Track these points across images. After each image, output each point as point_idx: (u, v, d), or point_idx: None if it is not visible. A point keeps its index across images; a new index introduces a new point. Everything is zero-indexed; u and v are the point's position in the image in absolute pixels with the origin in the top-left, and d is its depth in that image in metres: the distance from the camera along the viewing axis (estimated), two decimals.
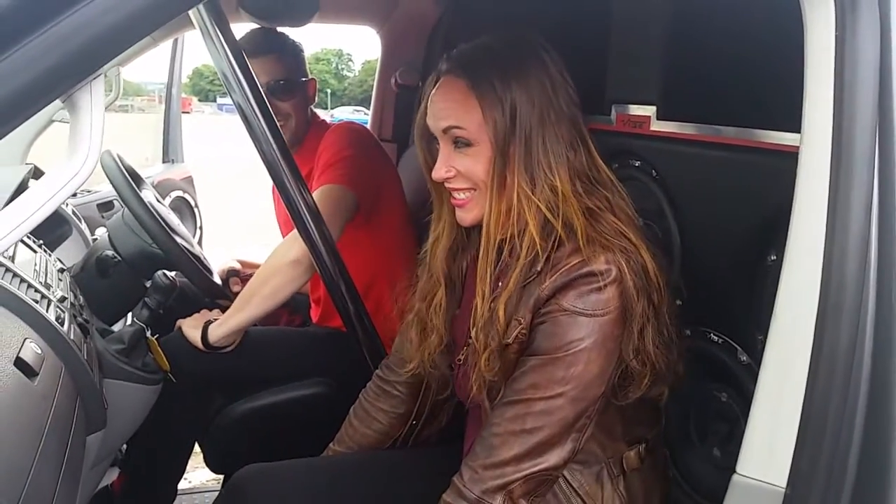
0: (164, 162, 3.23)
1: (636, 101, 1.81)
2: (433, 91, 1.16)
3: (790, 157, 1.42)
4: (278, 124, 1.86)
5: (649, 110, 1.77)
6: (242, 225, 7.93)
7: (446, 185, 1.17)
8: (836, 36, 0.86)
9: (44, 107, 0.74)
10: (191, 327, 1.75)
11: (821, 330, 0.87)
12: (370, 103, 2.76)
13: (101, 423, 1.25)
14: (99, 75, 0.75)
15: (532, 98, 1.10)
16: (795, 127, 1.42)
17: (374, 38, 2.63)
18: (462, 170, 1.14)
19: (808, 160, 0.90)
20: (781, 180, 1.45)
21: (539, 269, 1.07)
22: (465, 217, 1.18)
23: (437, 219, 1.27)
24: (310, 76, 2.05)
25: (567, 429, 1.05)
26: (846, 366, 0.86)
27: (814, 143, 0.89)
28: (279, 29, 2.01)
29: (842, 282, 0.86)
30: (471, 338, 1.16)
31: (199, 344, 1.73)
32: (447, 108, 1.13)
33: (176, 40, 3.11)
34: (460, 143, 1.13)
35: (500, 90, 1.09)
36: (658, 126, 1.76)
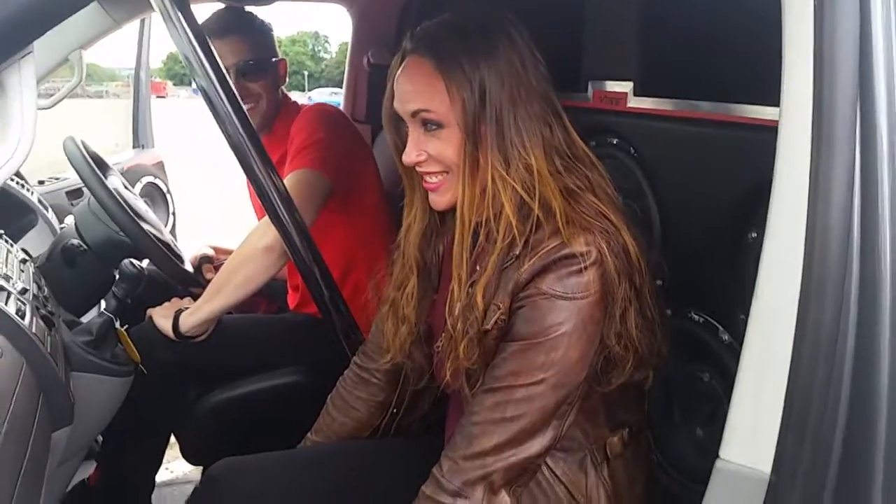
0: (134, 147, 3.16)
1: (613, 76, 1.78)
2: (398, 72, 1.12)
3: (770, 131, 1.40)
4: (248, 106, 1.82)
5: (626, 86, 1.75)
6: (218, 209, 7.84)
7: (418, 168, 1.14)
8: (814, 5, 0.83)
9: None
10: (161, 317, 1.71)
11: (804, 307, 0.85)
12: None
13: (68, 419, 1.21)
14: (28, 53, 0.70)
15: (501, 76, 1.06)
16: (775, 100, 1.42)
17: (349, 18, 2.57)
18: (433, 153, 1.11)
19: (787, 134, 0.87)
20: (761, 155, 1.43)
21: (517, 252, 1.04)
22: (439, 201, 1.15)
23: (409, 205, 1.23)
24: (280, 56, 2.00)
25: (548, 416, 1.03)
26: (830, 344, 0.84)
27: (793, 116, 0.86)
28: (247, 8, 1.96)
29: (824, 257, 0.84)
30: (447, 324, 1.13)
31: (171, 333, 1.69)
32: (414, 91, 1.09)
33: (143, 22, 3.03)
34: (430, 126, 1.10)
35: (468, 69, 1.05)
36: (635, 102, 1.74)
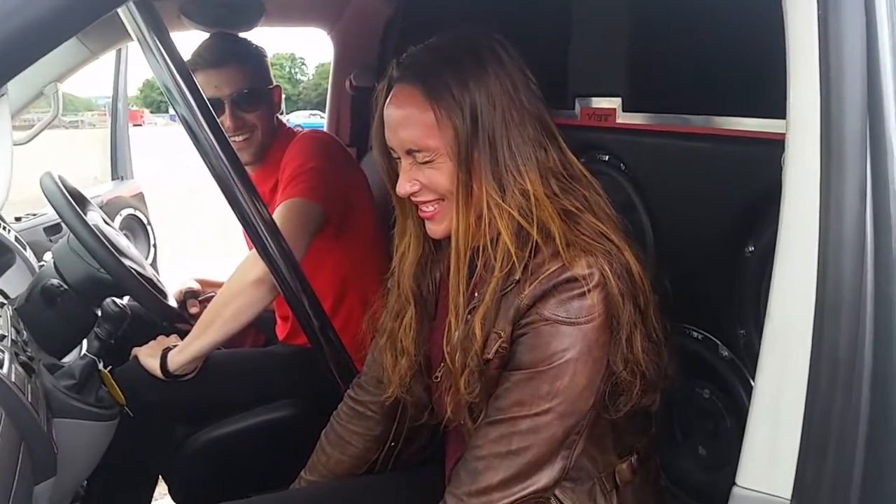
0: (113, 179, 3.10)
1: (601, 93, 1.76)
2: (387, 102, 1.09)
3: (764, 144, 1.40)
4: (243, 137, 1.79)
5: (615, 102, 1.73)
6: (200, 238, 7.77)
7: (412, 198, 1.11)
8: (818, 16, 0.80)
9: None
10: (148, 356, 1.65)
11: (820, 327, 0.82)
12: (325, 107, 2.68)
13: (51, 471, 1.15)
14: (2, 95, 0.66)
15: (492, 98, 1.03)
16: (767, 112, 1.40)
17: (326, 40, 2.54)
18: (426, 182, 1.08)
19: (796, 148, 0.84)
20: (756, 168, 1.43)
21: (517, 277, 1.01)
22: (436, 229, 1.11)
23: (402, 233, 1.20)
24: (274, 83, 1.95)
25: (556, 447, 0.99)
26: (848, 364, 0.81)
27: (801, 130, 0.83)
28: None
29: (839, 274, 0.81)
30: (447, 356, 1.09)
31: (159, 373, 1.64)
32: (403, 122, 1.06)
33: (119, 52, 2.99)
34: (421, 156, 1.07)
35: (457, 94, 1.02)
36: (624, 118, 1.72)
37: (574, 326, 0.97)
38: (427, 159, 1.06)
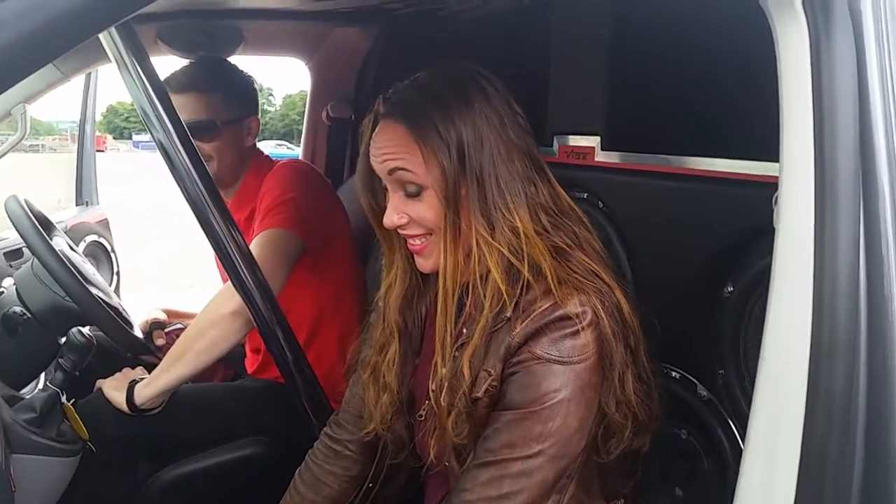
0: (77, 205, 3.03)
1: (579, 131, 1.77)
2: (375, 133, 1.07)
3: (744, 185, 1.42)
4: (211, 164, 1.74)
5: (593, 140, 1.74)
6: (161, 267, 7.63)
7: (400, 231, 1.08)
8: (811, 61, 0.82)
9: None
10: (113, 388, 1.58)
11: (815, 370, 0.81)
12: (292, 137, 2.66)
13: None
14: None
15: (479, 135, 1.01)
16: (746, 154, 1.42)
17: (294, 72, 2.54)
18: (414, 216, 1.05)
19: (789, 189, 0.85)
20: (736, 209, 1.44)
21: (508, 315, 0.99)
22: (425, 263, 1.09)
23: (389, 265, 1.17)
24: (251, 114, 1.91)
25: (547, 490, 0.97)
26: (844, 409, 0.80)
27: (795, 171, 0.84)
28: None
29: (834, 317, 0.81)
30: (431, 394, 1.06)
31: (125, 406, 1.57)
32: (390, 151, 1.04)
33: (89, 76, 2.94)
34: (409, 190, 1.05)
35: (442, 132, 1.00)
36: (603, 157, 1.73)
37: (567, 366, 0.95)
38: (414, 191, 1.04)
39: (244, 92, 1.89)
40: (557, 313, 0.96)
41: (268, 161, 1.93)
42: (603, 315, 0.97)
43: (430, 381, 1.06)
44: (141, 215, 10.54)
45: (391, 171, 1.04)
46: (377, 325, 1.18)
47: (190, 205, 1.40)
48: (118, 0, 0.67)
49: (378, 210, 1.10)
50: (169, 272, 7.40)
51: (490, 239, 1.01)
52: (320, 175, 1.94)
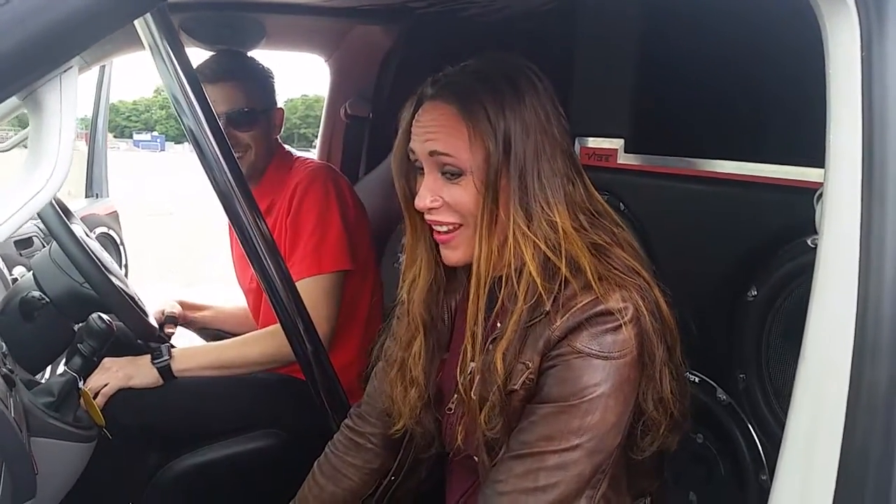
0: (87, 196, 3.01)
1: (602, 133, 1.77)
2: (419, 113, 1.05)
3: (769, 189, 1.42)
4: (236, 156, 1.75)
5: (616, 143, 1.74)
6: (160, 264, 7.61)
7: (428, 217, 1.06)
8: (861, 56, 0.81)
9: None
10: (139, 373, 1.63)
11: (858, 370, 0.81)
12: (293, 140, 2.65)
13: (31, 493, 1.07)
14: (70, 67, 0.62)
15: (527, 127, 1.00)
16: (772, 158, 1.42)
17: (296, 75, 2.54)
18: (449, 200, 1.04)
19: (836, 191, 0.84)
20: (761, 213, 1.44)
21: (546, 309, 0.98)
22: (451, 256, 1.07)
23: (412, 258, 1.14)
24: (277, 105, 1.92)
25: (583, 485, 0.96)
26: (888, 408, 0.80)
27: (842, 173, 0.83)
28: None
29: (878, 315, 0.80)
30: (460, 387, 1.05)
31: (159, 380, 1.65)
32: (436, 131, 1.03)
33: (102, 69, 2.94)
34: (448, 172, 1.03)
35: (493, 118, 1.00)
36: (626, 159, 1.73)
37: (606, 360, 0.94)
38: (453, 172, 1.03)
39: (270, 83, 1.90)
40: (599, 308, 0.95)
41: (290, 155, 1.93)
42: (644, 311, 0.96)
43: (459, 375, 1.06)
44: (139, 213, 10.53)
45: (432, 153, 1.03)
46: (402, 320, 1.17)
47: (217, 193, 1.39)
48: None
49: (411, 195, 1.09)
50: (166, 269, 7.39)
51: (527, 230, 1.00)
52: (347, 182, 1.92)
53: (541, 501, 0.95)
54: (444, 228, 1.06)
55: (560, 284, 0.98)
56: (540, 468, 0.95)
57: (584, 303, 0.96)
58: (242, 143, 1.79)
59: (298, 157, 1.93)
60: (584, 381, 0.94)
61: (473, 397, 1.02)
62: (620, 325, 0.94)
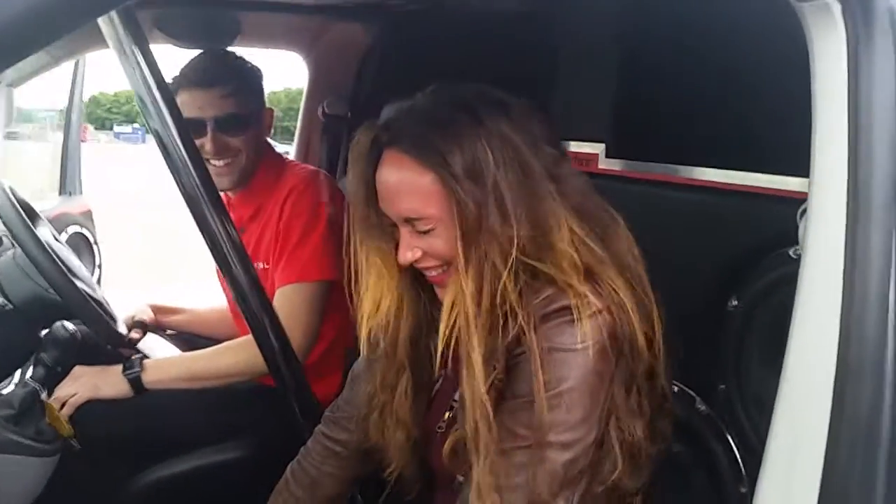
0: (60, 194, 2.94)
1: (582, 137, 1.74)
2: (381, 170, 1.01)
3: (752, 198, 1.40)
4: (225, 161, 1.71)
5: (597, 147, 1.71)
6: (140, 262, 7.52)
7: (415, 265, 1.04)
8: (848, 72, 0.79)
9: None
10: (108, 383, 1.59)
11: (840, 390, 0.79)
12: (275, 133, 2.59)
13: None
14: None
15: (493, 151, 0.96)
16: (754, 166, 1.40)
17: (279, 68, 2.50)
18: (427, 249, 1.02)
19: (820, 206, 0.82)
20: (743, 222, 1.42)
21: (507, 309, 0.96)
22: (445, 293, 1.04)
23: (380, 293, 1.09)
24: (266, 105, 1.86)
25: (557, 482, 0.93)
26: (870, 430, 0.78)
27: (827, 187, 0.81)
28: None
29: (862, 334, 0.78)
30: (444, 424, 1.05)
31: (129, 392, 1.60)
32: (400, 191, 1.00)
33: (77, 63, 2.87)
34: (420, 230, 1.01)
35: (451, 159, 0.95)
36: (606, 164, 1.70)
37: (568, 353, 0.93)
38: (427, 227, 1.00)
39: (258, 84, 1.84)
40: (561, 302, 0.94)
41: (278, 157, 1.88)
42: (613, 314, 0.95)
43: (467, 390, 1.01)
44: (120, 208, 10.41)
45: (403, 215, 1.01)
46: (379, 363, 1.14)
47: (184, 197, 1.35)
48: None
49: (388, 250, 1.06)
50: (145, 268, 7.31)
51: (507, 262, 0.96)
52: (337, 187, 1.85)
53: (513, 500, 0.93)
54: (435, 273, 1.04)
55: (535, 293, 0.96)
56: (510, 465, 0.93)
57: (543, 297, 0.95)
58: (232, 148, 1.73)
59: (290, 161, 1.89)
60: (547, 376, 0.92)
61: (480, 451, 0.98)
62: (581, 318, 0.93)
